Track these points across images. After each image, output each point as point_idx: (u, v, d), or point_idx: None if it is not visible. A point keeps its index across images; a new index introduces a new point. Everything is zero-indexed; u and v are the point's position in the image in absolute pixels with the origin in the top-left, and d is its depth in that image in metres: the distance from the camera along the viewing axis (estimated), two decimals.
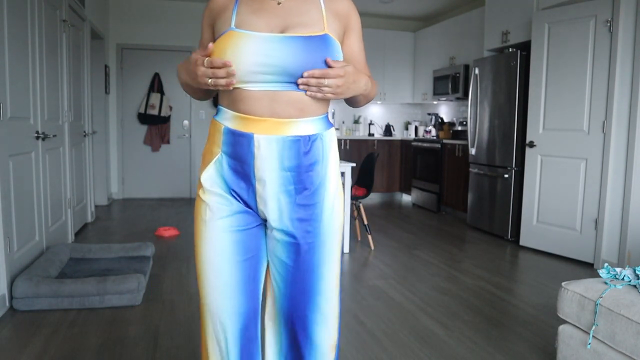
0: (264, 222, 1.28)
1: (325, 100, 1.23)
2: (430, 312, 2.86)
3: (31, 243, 3.22)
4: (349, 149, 6.94)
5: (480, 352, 2.35)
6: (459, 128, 6.51)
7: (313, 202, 1.24)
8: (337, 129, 7.40)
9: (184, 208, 6.07)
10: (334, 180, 1.27)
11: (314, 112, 1.21)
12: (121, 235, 4.58)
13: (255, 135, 1.17)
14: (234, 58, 1.12)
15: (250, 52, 1.12)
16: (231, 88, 1.15)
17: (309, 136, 1.20)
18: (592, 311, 1.84)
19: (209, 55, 1.12)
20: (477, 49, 5.69)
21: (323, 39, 1.16)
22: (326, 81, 1.13)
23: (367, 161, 4.55)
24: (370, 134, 7.42)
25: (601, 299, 1.81)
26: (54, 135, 3.69)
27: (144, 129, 6.69)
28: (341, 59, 1.20)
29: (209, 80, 1.11)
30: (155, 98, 6.58)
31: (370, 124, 7.45)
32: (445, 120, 6.92)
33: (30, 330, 2.50)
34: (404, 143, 7.15)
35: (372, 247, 4.35)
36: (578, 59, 3.91)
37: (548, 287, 3.35)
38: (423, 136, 7.14)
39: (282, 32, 1.16)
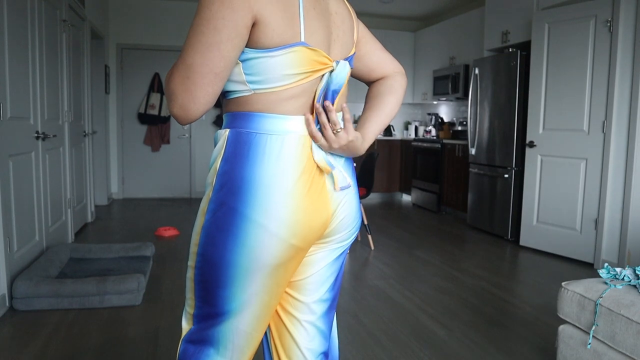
0: None
1: (237, 99, 1.03)
2: (430, 312, 2.86)
3: (31, 243, 3.22)
4: None
5: (480, 352, 2.35)
6: (459, 128, 6.51)
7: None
8: None
9: (184, 208, 6.07)
10: (207, 200, 1.03)
11: (225, 105, 1.07)
12: (121, 235, 4.58)
13: None
14: None
15: None
16: None
17: (219, 131, 1.07)
18: (592, 311, 1.84)
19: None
20: (477, 49, 5.69)
21: None
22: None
23: (367, 161, 4.56)
24: None
25: (601, 299, 1.81)
26: (54, 135, 3.69)
27: (144, 129, 6.69)
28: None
29: None
30: (155, 98, 6.58)
31: None
32: (445, 120, 6.92)
33: (30, 330, 2.50)
34: (404, 143, 7.15)
35: (372, 247, 4.35)
36: (578, 59, 3.91)
37: (548, 287, 3.35)
38: (423, 136, 7.14)
39: None
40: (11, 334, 2.45)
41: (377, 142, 7.07)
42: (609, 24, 3.66)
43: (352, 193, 1.13)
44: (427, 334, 2.56)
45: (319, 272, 1.16)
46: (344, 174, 1.08)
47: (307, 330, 1.17)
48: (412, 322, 2.70)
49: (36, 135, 3.34)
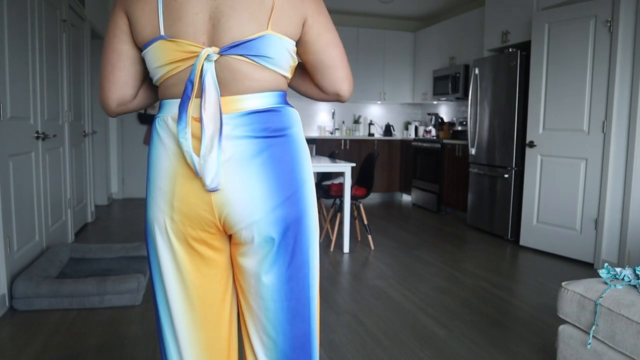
0: None
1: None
2: (430, 312, 2.86)
3: (31, 243, 3.22)
4: (349, 149, 6.94)
5: (480, 352, 2.35)
6: (459, 128, 6.51)
7: None
8: (337, 128, 7.41)
9: None
10: None
11: None
12: (121, 235, 4.58)
13: None
14: None
15: None
16: None
17: None
18: (592, 311, 1.84)
19: None
20: (477, 49, 5.69)
21: None
22: None
23: (367, 161, 4.55)
24: (370, 134, 7.42)
25: (601, 299, 1.81)
26: (54, 135, 3.68)
27: (144, 129, 6.68)
28: None
29: None
30: None
31: (370, 124, 7.45)
32: (445, 120, 6.92)
33: (30, 330, 2.50)
34: (404, 143, 7.15)
35: (372, 247, 4.35)
36: (578, 59, 3.91)
37: (548, 287, 3.35)
38: (423, 136, 7.14)
39: None
40: (11, 334, 2.45)
41: (377, 142, 7.08)
42: (609, 24, 3.66)
43: (241, 191, 1.05)
44: (427, 334, 2.56)
45: (256, 279, 1.12)
46: (215, 177, 1.03)
47: (261, 339, 1.15)
48: (412, 322, 2.70)
49: (36, 135, 3.34)
